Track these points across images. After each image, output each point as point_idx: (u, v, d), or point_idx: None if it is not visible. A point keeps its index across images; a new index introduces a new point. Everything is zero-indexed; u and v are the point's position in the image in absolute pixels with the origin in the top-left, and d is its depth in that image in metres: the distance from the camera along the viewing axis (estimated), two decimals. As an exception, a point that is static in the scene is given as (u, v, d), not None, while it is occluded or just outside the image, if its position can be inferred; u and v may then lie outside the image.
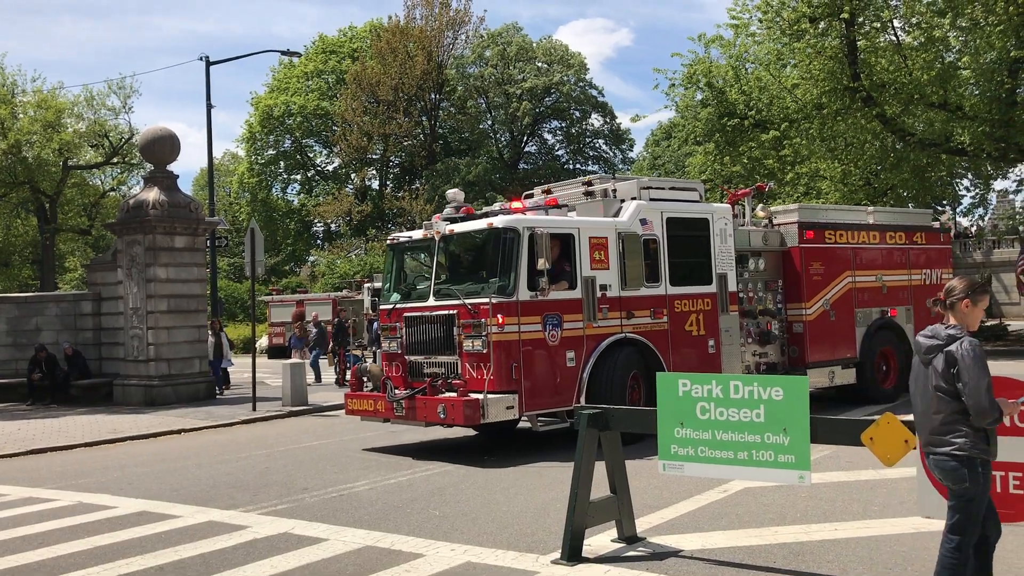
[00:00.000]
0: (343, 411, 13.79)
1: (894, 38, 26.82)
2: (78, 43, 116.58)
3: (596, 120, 68.00)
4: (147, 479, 11.34)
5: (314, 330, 25.58)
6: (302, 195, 66.54)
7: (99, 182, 53.56)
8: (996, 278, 48.86)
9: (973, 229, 51.26)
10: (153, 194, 20.67)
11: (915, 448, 5.63)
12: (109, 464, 12.74)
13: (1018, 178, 38.03)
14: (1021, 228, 33.29)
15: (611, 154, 68.54)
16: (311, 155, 66.54)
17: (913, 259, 16.53)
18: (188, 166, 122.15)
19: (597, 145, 68.66)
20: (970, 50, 25.06)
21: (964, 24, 24.45)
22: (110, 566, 7.24)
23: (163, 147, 21.48)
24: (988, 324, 31.33)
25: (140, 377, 20.20)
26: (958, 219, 45.41)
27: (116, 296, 20.99)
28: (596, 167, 64.92)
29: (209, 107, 26.38)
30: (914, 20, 25.50)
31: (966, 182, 36.26)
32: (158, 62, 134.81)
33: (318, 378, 23.84)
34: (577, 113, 66.95)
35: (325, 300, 36.17)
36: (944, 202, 38.35)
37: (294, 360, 19.98)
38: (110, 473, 11.93)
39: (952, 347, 4.99)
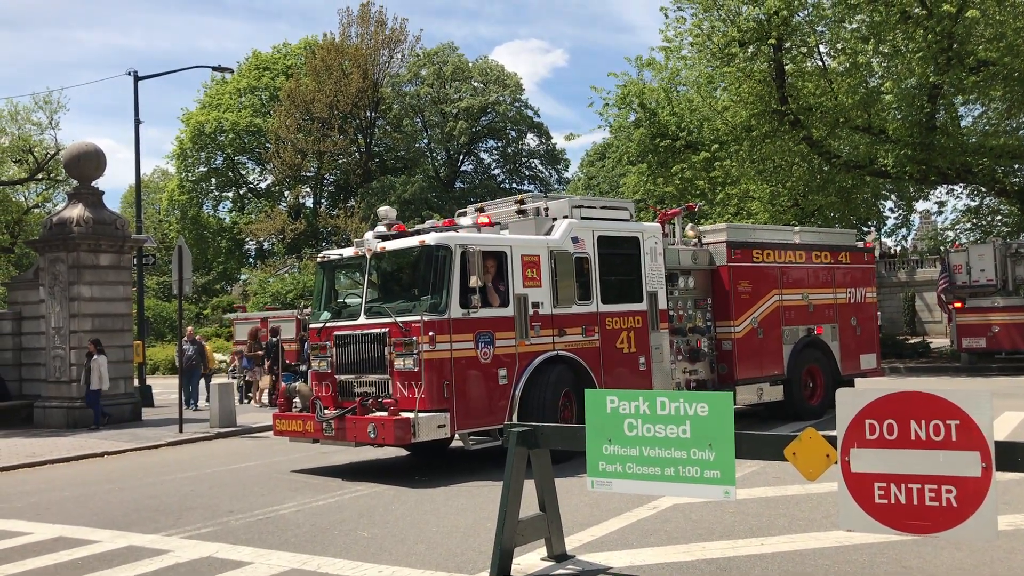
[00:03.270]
0: (272, 432, 13.55)
1: (820, 63, 27.55)
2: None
3: (532, 140, 68.52)
4: (66, 504, 10.98)
5: (189, 348, 22.77)
6: (234, 213, 65.58)
7: (23, 199, 52.04)
8: (919, 297, 50.32)
9: (897, 249, 52.71)
10: (78, 211, 20.17)
11: (836, 463, 5.73)
12: (27, 489, 12.31)
13: (939, 200, 39.37)
14: (942, 248, 34.31)
15: (547, 174, 69.06)
16: (243, 172, 65.68)
17: (838, 278, 16.90)
18: (116, 183, 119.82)
19: (533, 165, 69.12)
20: (892, 76, 25.85)
21: (886, 50, 25.24)
22: (22, 594, 6.98)
23: (88, 163, 21.02)
24: (911, 342, 32.21)
25: (62, 399, 19.61)
26: (882, 239, 46.64)
27: (38, 315, 20.38)
28: (532, 187, 65.32)
29: (137, 122, 25.85)
30: (839, 46, 26.24)
31: (890, 203, 37.35)
32: (81, 77, 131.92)
33: (190, 403, 22.20)
34: (513, 133, 67.32)
35: (289, 318, 34.84)
36: (869, 223, 39.36)
37: (222, 380, 19.57)
38: (27, 498, 11.52)
39: None
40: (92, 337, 19.14)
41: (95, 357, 18.66)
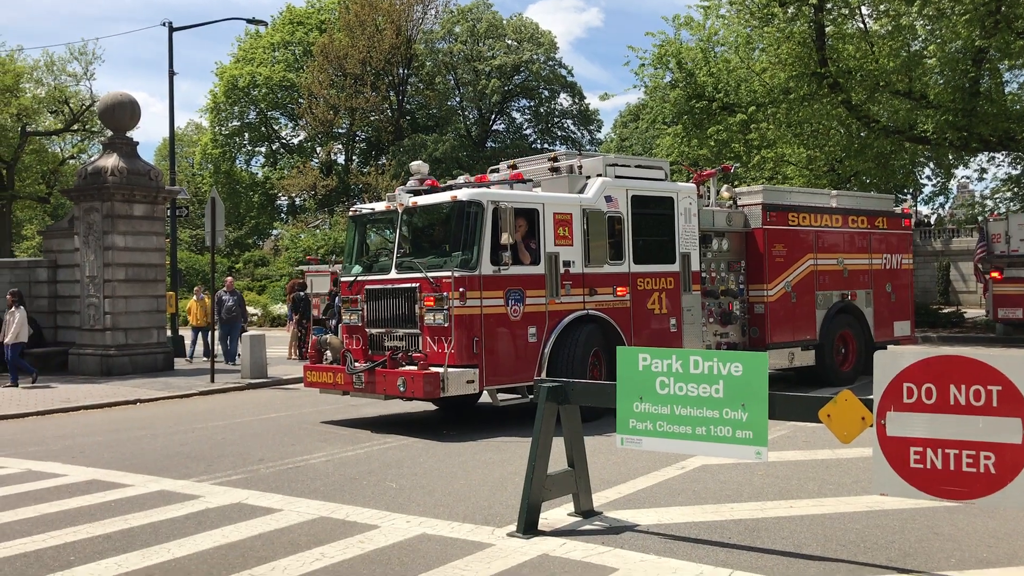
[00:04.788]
0: (303, 384, 13.64)
1: (862, 25, 26.94)
2: (28, 7, 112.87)
3: (565, 100, 67.81)
4: (99, 448, 11.14)
5: (229, 299, 22.11)
6: (266, 168, 65.73)
7: (58, 149, 52.53)
8: (954, 266, 49.58)
9: (933, 218, 51.89)
10: (112, 160, 20.27)
11: (871, 426, 5.65)
12: (61, 433, 12.51)
13: (979, 167, 38.61)
14: (980, 218, 33.77)
15: (579, 134, 68.40)
16: (276, 127, 65.67)
17: (875, 244, 16.64)
18: (150, 136, 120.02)
19: (565, 125, 68.47)
20: (936, 39, 25.23)
21: (930, 13, 24.58)
22: (56, 534, 7.09)
23: (123, 112, 21.07)
24: (945, 311, 31.80)
25: (96, 346, 19.87)
26: (919, 207, 45.95)
27: (73, 264, 20.59)
28: (564, 147, 64.74)
29: (171, 74, 25.79)
30: (882, 7, 25.60)
31: (928, 171, 36.67)
32: (114, 31, 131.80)
33: (231, 357, 21.79)
34: (546, 92, 66.65)
35: None
36: (906, 190, 38.72)
37: (253, 332, 19.72)
38: (61, 441, 11.71)
39: None
40: (14, 289, 18.56)
41: (12, 309, 17.83)
